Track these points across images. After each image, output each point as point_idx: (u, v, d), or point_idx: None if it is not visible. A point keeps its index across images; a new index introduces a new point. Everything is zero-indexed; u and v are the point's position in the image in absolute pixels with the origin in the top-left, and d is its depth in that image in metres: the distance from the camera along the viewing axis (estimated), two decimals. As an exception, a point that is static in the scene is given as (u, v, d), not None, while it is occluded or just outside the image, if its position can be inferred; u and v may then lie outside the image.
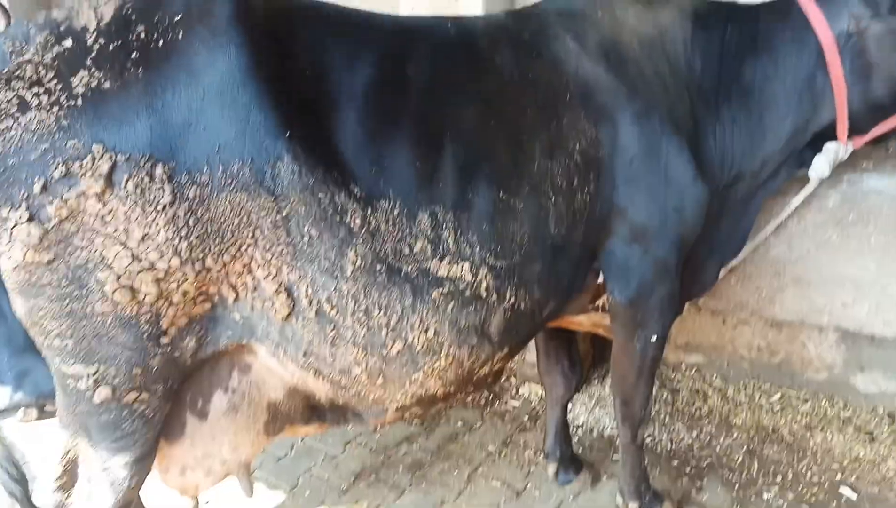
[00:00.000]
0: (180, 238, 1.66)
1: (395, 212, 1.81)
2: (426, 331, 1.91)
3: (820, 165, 2.39)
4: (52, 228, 1.58)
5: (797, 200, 2.56)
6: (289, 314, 1.81)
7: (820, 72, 2.23)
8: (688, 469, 2.99)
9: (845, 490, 2.80)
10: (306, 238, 1.75)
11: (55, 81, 1.58)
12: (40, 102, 1.56)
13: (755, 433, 3.17)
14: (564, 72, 2.12)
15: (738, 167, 2.35)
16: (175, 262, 1.67)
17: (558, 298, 2.18)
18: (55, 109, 1.56)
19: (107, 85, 1.59)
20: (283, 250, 1.74)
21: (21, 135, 1.55)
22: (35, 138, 1.55)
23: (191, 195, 1.64)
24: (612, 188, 2.12)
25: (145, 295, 1.68)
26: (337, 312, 1.82)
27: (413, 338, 1.90)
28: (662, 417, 3.35)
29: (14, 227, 1.58)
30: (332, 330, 1.84)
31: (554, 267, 2.08)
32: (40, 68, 1.58)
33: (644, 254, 2.17)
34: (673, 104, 2.20)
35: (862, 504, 2.73)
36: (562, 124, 2.06)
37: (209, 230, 1.69)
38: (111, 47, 1.61)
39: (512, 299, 2.00)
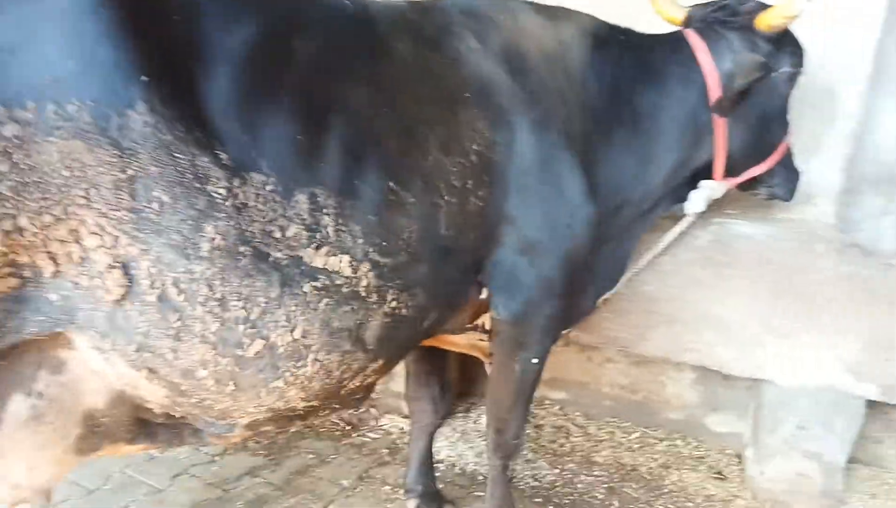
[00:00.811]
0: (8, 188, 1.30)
1: (269, 187, 1.55)
2: (292, 330, 1.63)
3: (696, 201, 2.41)
4: None
5: (673, 232, 2.58)
6: (123, 296, 1.47)
7: (703, 109, 2.25)
8: (550, 507, 2.87)
9: (704, 531, 2.80)
10: (155, 205, 1.44)
11: None
12: None
13: (615, 470, 3.13)
14: (465, 69, 1.99)
15: (623, 194, 2.32)
16: None
17: (442, 308, 2.00)
18: None
19: None
20: (123, 216, 1.42)
21: None
22: None
23: (6, 133, 1.29)
24: (503, 195, 1.99)
25: None
26: (185, 298, 1.50)
27: (276, 338, 1.62)
28: (525, 453, 3.23)
29: None
30: (176, 320, 1.52)
31: (441, 272, 1.89)
32: None
33: (531, 268, 2.04)
34: (569, 120, 2.14)
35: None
36: (459, 121, 1.91)
37: (27, 181, 1.34)
38: None
39: (393, 303, 1.78)
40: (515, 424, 2.27)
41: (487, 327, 2.16)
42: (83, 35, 1.35)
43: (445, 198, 1.85)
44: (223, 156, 1.50)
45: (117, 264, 1.44)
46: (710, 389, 3.27)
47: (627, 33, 2.32)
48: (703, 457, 3.22)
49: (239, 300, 1.55)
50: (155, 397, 1.69)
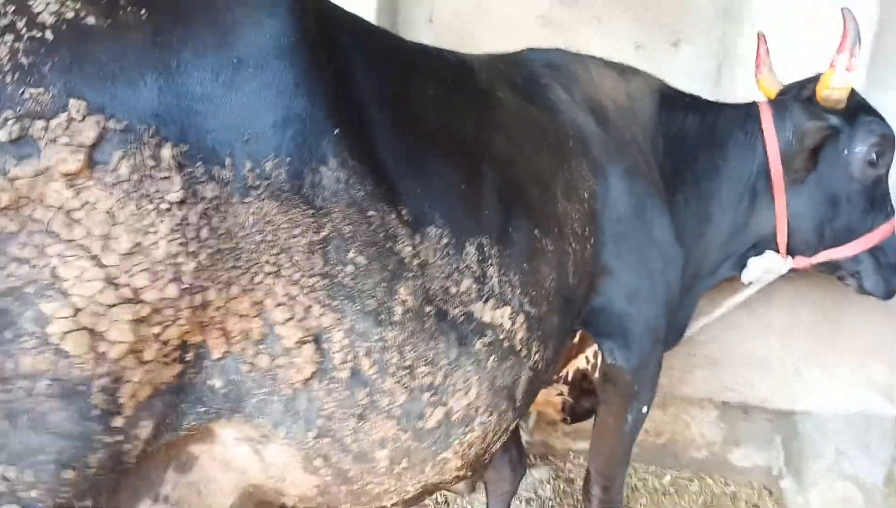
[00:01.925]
0: (187, 255, 1.10)
1: (444, 241, 1.45)
2: (467, 393, 1.50)
3: (753, 268, 2.36)
4: None
5: (730, 302, 2.58)
6: (312, 375, 1.29)
7: (762, 176, 2.23)
8: (615, 563, 2.78)
9: (762, 566, 2.81)
10: (350, 268, 1.29)
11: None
12: None
13: (660, 517, 3.11)
14: (562, 119, 1.98)
15: (687, 251, 2.28)
16: (172, 291, 1.10)
17: (557, 360, 1.92)
18: (9, 36, 0.97)
19: (90, 20, 1.04)
20: (316, 283, 1.26)
21: None
22: None
23: (207, 195, 1.11)
24: (601, 245, 1.97)
25: (112, 344, 1.07)
26: (376, 370, 1.34)
27: (453, 403, 1.48)
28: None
29: None
30: (364, 396, 1.35)
31: (563, 323, 1.83)
32: None
33: (639, 316, 2.02)
34: (648, 170, 2.16)
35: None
36: (572, 169, 1.89)
37: (222, 249, 1.16)
38: None
39: (536, 356, 1.70)
40: (621, 480, 2.20)
41: (600, 376, 2.09)
42: (280, 86, 1.21)
43: (573, 246, 1.82)
44: (404, 211, 1.39)
45: (308, 339, 1.27)
46: (731, 425, 3.34)
47: (693, 97, 2.39)
48: (736, 493, 3.26)
49: (425, 366, 1.41)
50: (300, 489, 1.48)
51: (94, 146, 1.00)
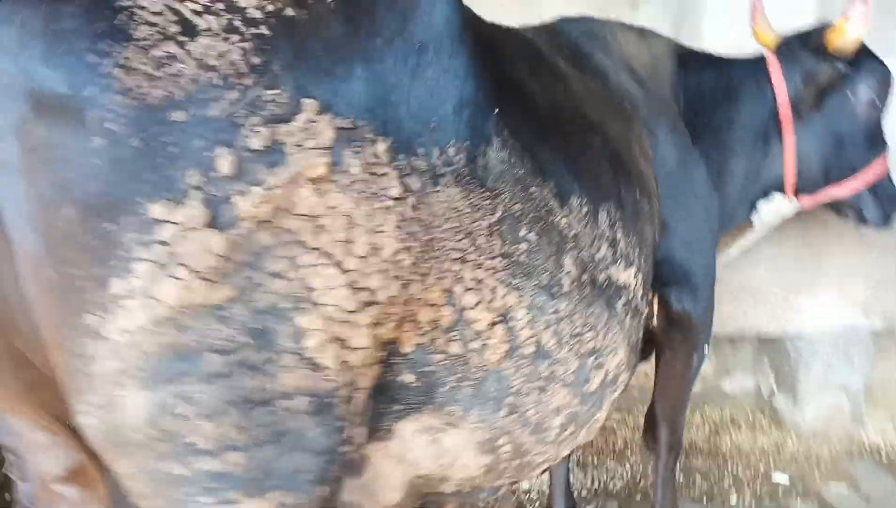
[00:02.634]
0: (405, 251, 1.10)
1: (584, 210, 1.50)
2: (616, 353, 1.58)
3: (763, 212, 2.54)
4: (241, 239, 0.91)
5: (740, 244, 2.78)
6: (505, 354, 1.31)
7: (773, 123, 2.39)
8: (639, 496, 2.97)
9: (778, 477, 3.09)
10: (524, 246, 1.32)
11: None
12: (210, 26, 0.90)
13: (675, 451, 3.33)
14: (613, 85, 2.06)
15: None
16: (395, 289, 1.10)
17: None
18: (234, 36, 0.91)
19: (290, 12, 0.99)
20: (497, 263, 1.28)
21: (193, 73, 0.86)
22: (216, 81, 0.88)
23: (414, 187, 1.11)
24: (660, 200, 2.08)
25: (354, 351, 1.06)
26: (555, 342, 1.39)
27: (609, 365, 1.55)
28: (590, 459, 3.29)
29: (172, 238, 0.86)
30: (546, 369, 1.39)
31: (650, 281, 1.93)
32: None
33: (698, 264, 2.15)
34: (680, 125, 2.29)
35: (795, 483, 3.05)
36: (636, 131, 1.98)
37: (425, 241, 1.16)
38: None
39: (647, 310, 1.80)
40: (683, 420, 2.35)
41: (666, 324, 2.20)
42: (454, 71, 1.20)
43: (654, 204, 1.91)
44: (552, 184, 1.42)
45: (499, 319, 1.29)
46: (720, 356, 3.61)
47: (706, 54, 2.52)
48: (734, 418, 3.54)
49: (590, 332, 1.47)
50: (468, 472, 1.51)
51: (331, 148, 0.97)
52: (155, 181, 0.85)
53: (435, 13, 1.17)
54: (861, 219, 2.55)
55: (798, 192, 2.49)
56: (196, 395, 0.92)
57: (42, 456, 1.18)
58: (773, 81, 2.38)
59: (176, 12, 0.87)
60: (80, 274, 0.87)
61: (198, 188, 0.86)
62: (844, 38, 2.21)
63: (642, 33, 2.39)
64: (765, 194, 2.53)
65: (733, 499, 2.98)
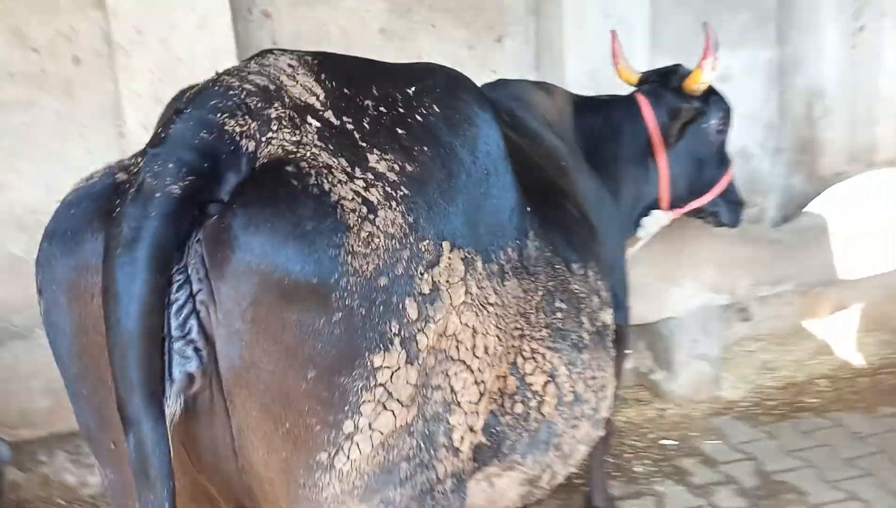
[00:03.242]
0: (498, 342, 1.35)
1: (581, 272, 1.81)
2: (611, 381, 1.92)
3: (648, 226, 3.01)
4: (421, 367, 1.13)
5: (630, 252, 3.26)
6: (555, 406, 1.60)
7: (649, 153, 2.84)
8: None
9: (666, 441, 3.68)
10: (559, 314, 1.62)
11: (355, 166, 1.13)
12: (378, 198, 1.09)
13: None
14: (547, 144, 2.37)
15: None
16: (491, 376, 1.35)
17: None
18: (392, 201, 1.12)
19: (410, 168, 1.21)
20: (545, 333, 1.57)
21: (384, 243, 1.06)
22: (396, 245, 1.08)
23: (498, 290, 1.37)
24: None
25: (475, 433, 1.31)
26: (583, 387, 1.70)
27: (609, 392, 1.88)
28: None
29: (387, 379, 1.06)
30: (578, 410, 1.69)
31: None
32: (328, 155, 1.12)
33: (621, 282, 2.58)
34: (587, 166, 2.69)
35: (680, 445, 3.64)
36: (576, 185, 2.30)
37: (505, 329, 1.42)
38: (383, 121, 1.24)
39: None
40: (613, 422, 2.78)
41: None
42: (504, 186, 1.46)
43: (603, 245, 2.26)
44: (562, 256, 1.72)
45: (549, 379, 1.57)
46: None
47: (591, 98, 2.92)
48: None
49: (599, 371, 1.78)
50: (508, 501, 1.78)
51: (463, 277, 1.18)
52: (373, 337, 1.04)
53: (491, 143, 1.42)
54: (718, 222, 3.14)
55: (671, 206, 3.01)
56: (394, 498, 1.11)
57: None
58: (645, 117, 2.84)
59: (358, 194, 1.05)
60: (317, 421, 1.03)
61: (398, 335, 1.06)
62: (699, 82, 2.72)
63: (547, 88, 2.76)
64: (647, 211, 3.02)
65: (637, 468, 3.49)
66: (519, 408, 1.53)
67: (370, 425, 1.09)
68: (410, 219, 1.13)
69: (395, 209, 1.10)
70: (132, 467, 1.02)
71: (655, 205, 2.99)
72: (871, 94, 4.27)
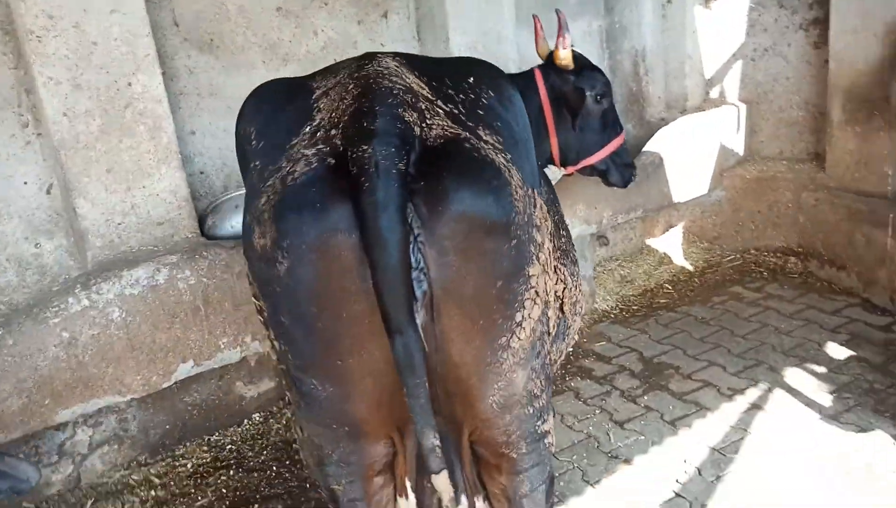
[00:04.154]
0: (554, 261, 1.92)
1: (558, 216, 2.35)
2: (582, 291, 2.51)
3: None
4: (543, 274, 1.69)
5: None
6: (571, 306, 2.15)
7: (542, 117, 3.34)
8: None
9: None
10: (563, 239, 2.18)
11: (480, 140, 1.59)
12: (504, 161, 1.57)
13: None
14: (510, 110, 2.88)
15: None
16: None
17: None
18: (510, 163, 1.59)
19: (499, 138, 1.67)
20: (559, 253, 2.12)
21: (520, 193, 1.57)
22: (522, 193, 1.58)
23: (548, 223, 1.87)
24: None
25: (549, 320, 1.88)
26: (579, 292, 2.26)
27: (583, 297, 2.48)
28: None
29: (535, 282, 1.63)
30: (577, 308, 2.26)
31: None
32: (469, 133, 1.60)
33: None
34: None
35: (577, 353, 4.43)
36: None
37: (552, 250, 1.94)
38: (467, 105, 1.71)
39: None
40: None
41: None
42: (530, 147, 1.94)
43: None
44: (553, 198, 2.28)
45: (564, 285, 2.12)
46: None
47: (510, 76, 3.40)
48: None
49: (579, 278, 2.35)
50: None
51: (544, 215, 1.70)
52: (527, 255, 1.51)
53: (522, 115, 1.87)
54: (607, 181, 3.70)
55: (562, 164, 3.59)
56: (535, 366, 1.63)
57: (374, 459, 1.69)
58: (539, 88, 3.37)
59: (501, 159, 1.50)
60: (500, 316, 1.51)
61: (535, 253, 1.54)
62: (560, 59, 3.30)
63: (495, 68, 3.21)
64: (545, 165, 3.67)
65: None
66: (552, 310, 2.07)
67: (529, 315, 1.55)
68: (520, 175, 1.58)
69: (513, 169, 1.56)
70: (398, 363, 1.39)
71: (552, 161, 3.62)
72: (680, 53, 5.29)
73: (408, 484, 1.77)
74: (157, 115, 3.43)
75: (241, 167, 2.00)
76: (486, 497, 1.84)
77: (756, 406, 3.54)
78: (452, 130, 1.54)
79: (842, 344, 3.99)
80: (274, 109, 1.84)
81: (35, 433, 3.23)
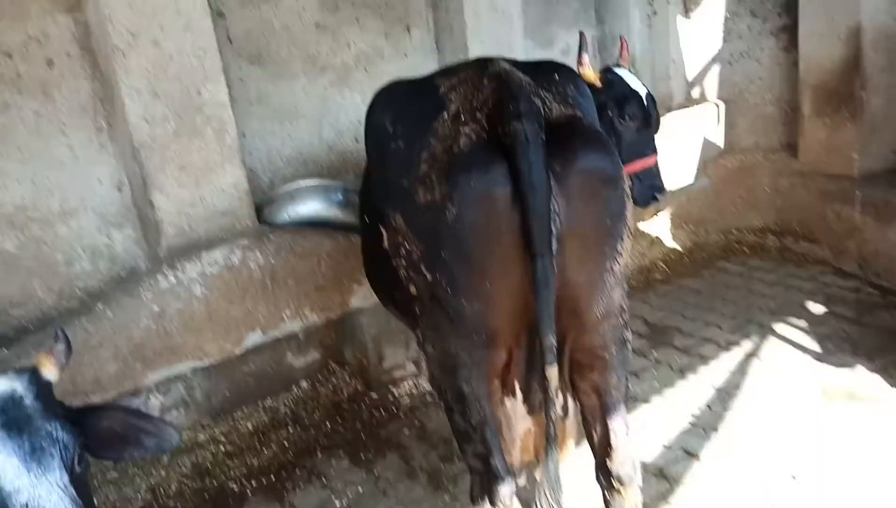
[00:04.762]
0: None
1: None
2: None
3: None
4: None
5: None
6: None
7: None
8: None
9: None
10: None
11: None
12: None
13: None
14: None
15: None
16: None
17: None
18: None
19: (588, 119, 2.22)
20: None
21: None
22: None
23: None
24: None
25: None
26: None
27: None
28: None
29: (629, 224, 2.15)
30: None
31: None
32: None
33: None
34: None
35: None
36: None
37: None
38: (559, 96, 2.19)
39: None
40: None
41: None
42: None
43: None
44: None
45: None
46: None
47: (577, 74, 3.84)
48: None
49: None
50: None
51: None
52: (626, 199, 2.03)
53: (593, 105, 2.37)
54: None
55: None
56: (621, 292, 2.12)
57: (497, 364, 2.15)
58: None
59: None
60: (608, 247, 2.01)
61: (627, 200, 2.06)
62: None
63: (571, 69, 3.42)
64: None
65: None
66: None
67: (624, 246, 2.06)
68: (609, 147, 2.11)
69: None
70: (536, 279, 1.85)
71: None
72: (665, 58, 5.90)
73: (516, 386, 2.27)
74: (222, 119, 3.91)
75: (371, 148, 2.54)
76: (574, 394, 2.34)
77: (751, 355, 4.10)
78: (567, 112, 2.07)
79: (819, 303, 4.58)
80: (405, 102, 2.37)
81: (121, 395, 3.65)
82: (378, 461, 3.65)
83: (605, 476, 2.33)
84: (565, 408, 2.43)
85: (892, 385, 3.53)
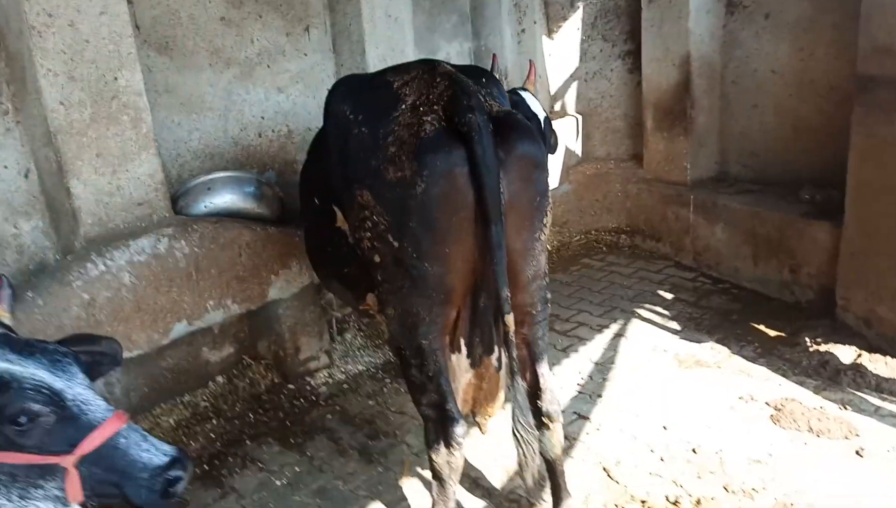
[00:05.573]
0: None
1: None
2: None
3: None
4: None
5: None
6: None
7: None
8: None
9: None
10: None
11: None
12: None
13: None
14: None
15: None
16: None
17: None
18: None
19: None
20: None
21: None
22: None
23: None
24: None
25: None
26: None
27: None
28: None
29: (551, 200, 2.65)
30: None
31: None
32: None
33: None
34: None
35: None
36: None
37: None
38: (490, 95, 2.65)
39: None
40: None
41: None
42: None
43: None
44: None
45: None
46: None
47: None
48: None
49: None
50: None
51: None
52: (547, 178, 2.50)
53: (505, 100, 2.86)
54: None
55: None
56: (544, 258, 2.59)
57: (450, 320, 2.53)
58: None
59: None
60: (537, 220, 2.45)
61: (549, 181, 2.54)
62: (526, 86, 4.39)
63: (493, 74, 3.92)
64: None
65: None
66: None
67: (548, 220, 2.53)
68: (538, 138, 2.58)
69: None
70: (491, 242, 2.23)
71: None
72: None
73: (462, 342, 2.66)
74: (138, 106, 3.85)
75: (333, 134, 2.79)
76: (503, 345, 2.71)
77: (618, 335, 4.83)
78: (503, 108, 2.51)
79: (667, 291, 5.46)
80: (362, 93, 2.71)
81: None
82: (308, 444, 3.85)
83: (536, 415, 2.74)
84: (499, 360, 2.87)
85: (730, 353, 4.40)
